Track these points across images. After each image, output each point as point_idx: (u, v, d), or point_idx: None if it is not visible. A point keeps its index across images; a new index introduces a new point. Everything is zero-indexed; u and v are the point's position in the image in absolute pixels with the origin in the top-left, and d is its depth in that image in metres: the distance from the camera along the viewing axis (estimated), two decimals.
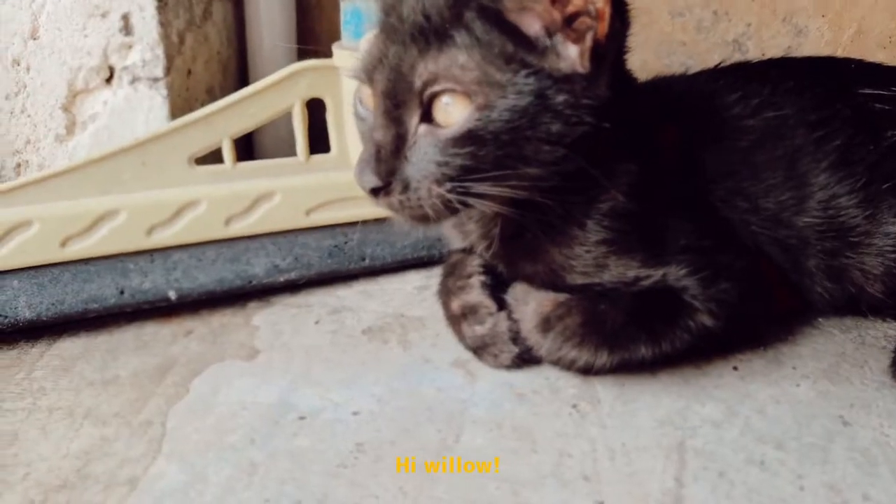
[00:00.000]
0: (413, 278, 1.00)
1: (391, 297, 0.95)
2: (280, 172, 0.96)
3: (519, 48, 0.63)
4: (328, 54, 0.96)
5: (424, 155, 0.64)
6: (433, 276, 1.00)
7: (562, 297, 0.75)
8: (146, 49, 0.95)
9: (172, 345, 0.85)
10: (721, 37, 1.26)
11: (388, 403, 0.73)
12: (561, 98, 0.63)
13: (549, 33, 0.64)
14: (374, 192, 0.65)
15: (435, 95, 0.64)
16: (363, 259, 0.99)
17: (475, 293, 0.82)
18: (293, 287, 0.96)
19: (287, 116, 0.96)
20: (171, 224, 0.91)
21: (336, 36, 1.01)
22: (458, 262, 0.88)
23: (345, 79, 0.94)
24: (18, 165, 1.03)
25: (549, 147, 0.64)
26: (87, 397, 0.75)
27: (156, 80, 0.96)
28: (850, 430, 0.69)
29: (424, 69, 0.63)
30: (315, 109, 0.98)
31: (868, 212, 0.80)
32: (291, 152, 0.98)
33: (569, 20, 0.64)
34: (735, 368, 0.80)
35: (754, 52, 1.24)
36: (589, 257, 0.75)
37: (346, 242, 0.98)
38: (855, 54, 0.95)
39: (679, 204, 0.79)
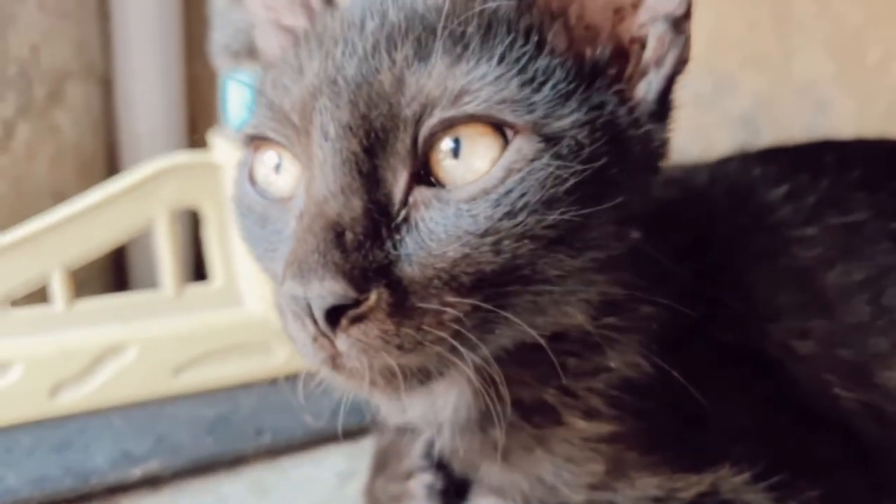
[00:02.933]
0: (334, 460, 0.70)
1: (298, 494, 0.65)
2: (136, 314, 0.67)
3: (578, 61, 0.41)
4: None
5: (430, 239, 0.36)
6: (363, 454, 0.70)
7: None
8: None
9: None
10: (724, 112, 1.02)
11: None
12: (637, 145, 0.41)
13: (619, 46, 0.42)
14: (334, 317, 0.34)
15: (439, 132, 0.37)
16: (259, 434, 0.69)
17: None
18: (154, 481, 0.66)
19: None
20: None
21: None
22: (391, 448, 0.59)
23: (231, 181, 0.67)
24: None
25: (617, 230, 0.40)
26: None
27: None
28: None
29: (425, 84, 0.37)
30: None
31: None
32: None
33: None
34: None
35: (767, 132, 1.01)
36: (595, 460, 0.46)
37: (234, 412, 0.68)
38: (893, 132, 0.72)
39: (725, 362, 0.51)
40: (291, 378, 0.70)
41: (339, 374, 0.38)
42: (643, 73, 0.42)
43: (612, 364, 0.46)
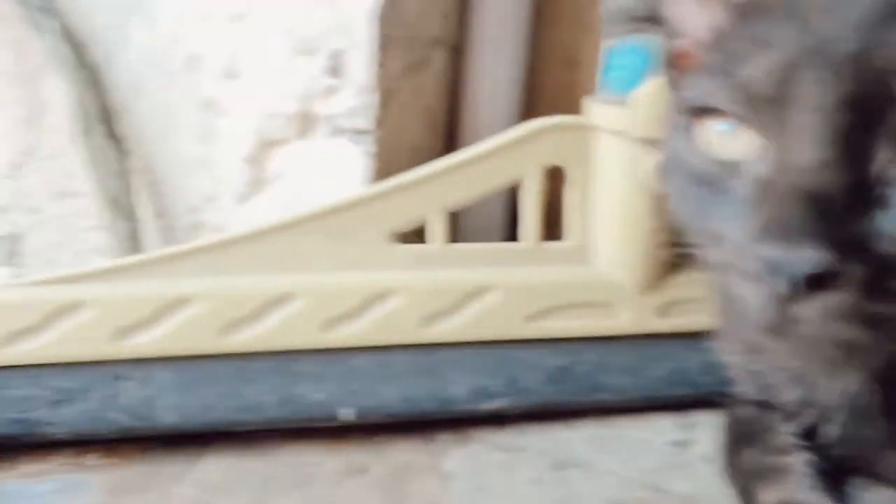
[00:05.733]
0: (665, 426, 0.71)
1: (636, 454, 0.67)
2: (499, 261, 0.72)
3: None
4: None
5: None
6: (695, 425, 0.71)
7: None
8: (354, 95, 0.77)
9: (338, 487, 0.62)
10: None
11: None
12: None
13: None
14: (810, 284, 0.36)
15: None
16: (596, 390, 0.72)
17: (803, 487, 0.52)
18: (497, 419, 0.71)
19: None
20: (356, 318, 0.70)
21: (570, 101, 0.78)
22: (754, 422, 0.59)
23: (602, 145, 0.70)
24: (194, 227, 0.87)
25: None
26: None
27: (361, 133, 0.77)
28: None
29: None
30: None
31: None
32: (494, 237, 0.75)
33: None
34: None
35: None
36: None
37: (575, 365, 0.72)
38: None
39: None
40: (631, 339, 0.74)
41: (783, 342, 0.39)
42: None
43: None
